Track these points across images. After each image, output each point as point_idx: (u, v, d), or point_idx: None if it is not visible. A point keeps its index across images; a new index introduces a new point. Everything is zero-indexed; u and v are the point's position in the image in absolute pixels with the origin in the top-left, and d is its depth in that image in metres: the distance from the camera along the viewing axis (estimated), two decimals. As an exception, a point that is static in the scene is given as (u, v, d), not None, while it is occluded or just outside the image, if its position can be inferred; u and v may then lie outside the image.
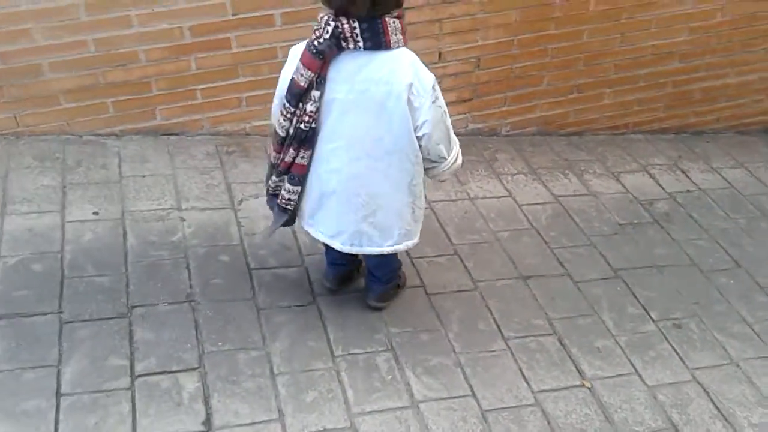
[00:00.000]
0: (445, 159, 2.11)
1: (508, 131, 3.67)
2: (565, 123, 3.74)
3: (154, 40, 2.86)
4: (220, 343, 2.25)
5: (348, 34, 1.87)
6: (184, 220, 2.71)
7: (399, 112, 1.95)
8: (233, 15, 2.89)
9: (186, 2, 2.81)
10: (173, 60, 2.93)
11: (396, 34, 1.90)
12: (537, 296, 2.67)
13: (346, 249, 2.20)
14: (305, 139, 2.01)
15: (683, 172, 3.68)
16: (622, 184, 3.47)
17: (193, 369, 2.16)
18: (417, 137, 2.02)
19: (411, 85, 1.92)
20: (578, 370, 2.40)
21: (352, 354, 2.30)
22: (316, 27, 1.90)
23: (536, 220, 3.09)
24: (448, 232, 2.93)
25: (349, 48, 1.89)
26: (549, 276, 2.79)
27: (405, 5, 2.95)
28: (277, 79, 3.08)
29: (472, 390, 2.26)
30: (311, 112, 1.96)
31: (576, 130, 3.80)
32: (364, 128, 1.99)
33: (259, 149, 3.20)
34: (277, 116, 2.06)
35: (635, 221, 3.21)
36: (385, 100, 1.94)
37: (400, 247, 2.24)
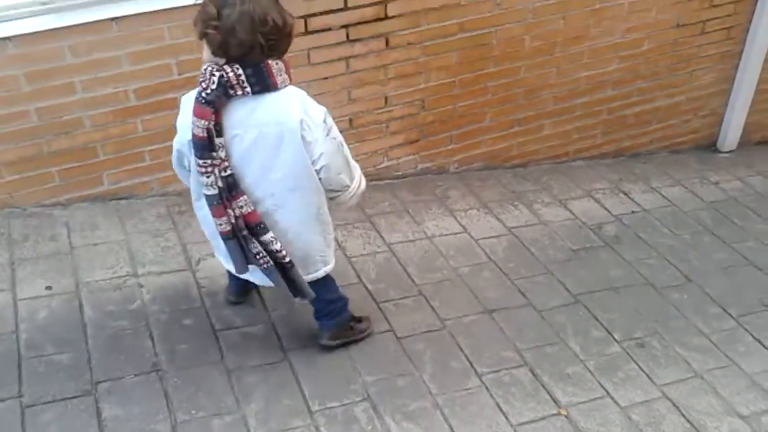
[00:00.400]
0: (349, 186, 2.17)
1: (456, 168, 3.74)
2: (509, 156, 3.84)
3: (99, 104, 2.81)
4: (192, 411, 2.19)
5: (234, 82, 1.89)
6: (142, 286, 2.65)
7: (294, 150, 1.99)
8: (179, 75, 2.88)
9: (131, 65, 2.78)
10: (119, 123, 2.89)
11: (281, 75, 1.94)
12: (504, 329, 2.70)
13: (267, 283, 2.22)
14: (234, 185, 2.01)
15: (625, 194, 3.81)
16: (570, 211, 3.57)
17: (172, 440, 2.10)
18: (316, 170, 2.06)
19: (302, 121, 1.96)
20: (553, 398, 2.43)
21: (330, 408, 2.27)
22: (201, 78, 1.91)
23: (494, 253, 3.13)
24: (410, 272, 2.94)
25: (237, 95, 1.91)
26: (512, 307, 2.83)
27: (350, 54, 3.12)
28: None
29: (452, 430, 2.26)
30: (222, 157, 1.97)
31: (520, 162, 3.89)
32: (264, 170, 2.02)
33: (211, 206, 3.16)
34: (195, 175, 2.04)
35: (587, 246, 3.30)
36: (280, 140, 1.97)
37: (319, 274, 2.28)
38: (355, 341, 2.52)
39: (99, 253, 2.77)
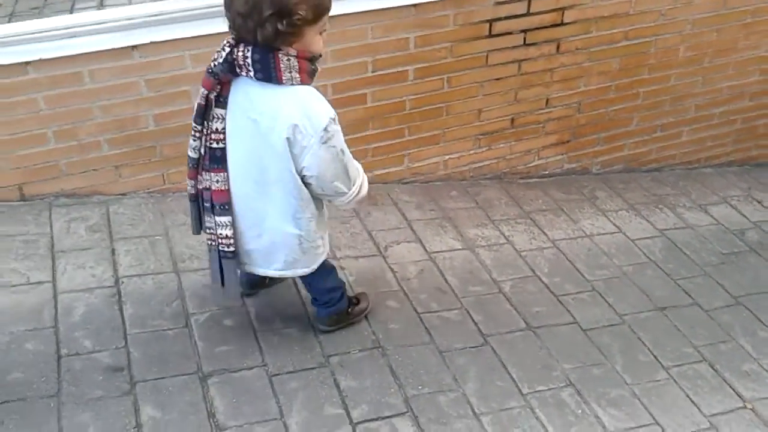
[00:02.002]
0: (345, 193, 2.13)
1: (598, 169, 3.88)
2: (647, 160, 3.97)
3: (298, 97, 2.99)
4: (419, 387, 2.36)
5: (241, 62, 1.91)
6: (344, 268, 2.82)
7: (279, 149, 1.96)
8: (372, 72, 3.04)
9: (333, 62, 2.95)
10: (312, 116, 3.06)
11: (290, 72, 1.89)
12: (678, 326, 2.84)
13: (276, 274, 2.27)
14: (217, 159, 2.04)
15: (758, 202, 3.92)
16: (711, 216, 3.69)
17: (403, 414, 2.27)
18: (303, 176, 2.03)
19: (296, 126, 1.92)
20: (737, 393, 2.57)
21: (539, 391, 2.42)
22: (217, 50, 1.96)
23: (651, 254, 3.27)
24: (579, 268, 3.09)
25: (242, 74, 1.94)
26: (681, 306, 2.96)
27: (524, 57, 3.26)
28: (403, 130, 3.31)
29: (654, 419, 2.41)
30: (217, 129, 2.00)
31: (656, 166, 4.02)
32: (253, 155, 2.02)
33: (384, 197, 3.33)
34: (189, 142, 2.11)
35: (735, 250, 3.43)
36: (269, 134, 1.95)
37: (287, 273, 2.26)
38: (355, 322, 2.56)
39: (296, 236, 2.95)
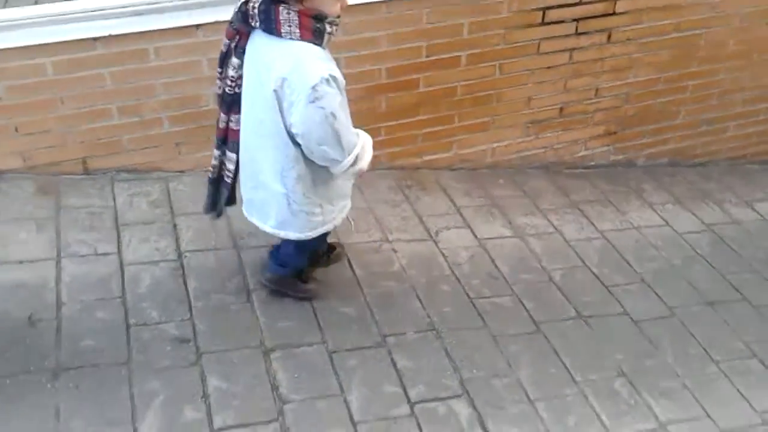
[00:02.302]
0: (339, 161, 2.08)
1: (644, 162, 3.88)
2: (693, 154, 3.97)
3: (356, 81, 3.02)
4: (474, 370, 2.40)
5: (251, 12, 1.98)
6: (395, 251, 2.87)
7: (270, 101, 1.99)
8: (426, 57, 3.07)
9: (388, 45, 2.98)
10: (368, 99, 3.10)
11: (288, 26, 1.92)
12: (727, 321, 2.86)
13: (246, 216, 2.34)
14: (231, 103, 2.14)
15: (804, 199, 3.92)
16: (757, 212, 3.69)
17: (459, 396, 2.31)
18: (292, 133, 2.04)
19: (284, 79, 1.94)
20: (786, 389, 2.59)
21: (591, 380, 2.46)
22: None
23: (699, 248, 3.29)
24: (628, 260, 3.11)
25: (253, 26, 2.00)
26: (730, 302, 2.98)
27: (575, 46, 3.27)
28: (453, 116, 3.33)
29: (705, 411, 2.44)
30: (232, 77, 2.09)
31: (701, 161, 4.02)
32: (254, 106, 2.09)
33: (433, 183, 3.36)
34: None
35: (783, 247, 3.44)
36: (265, 85, 1.98)
37: (280, 234, 2.28)
38: (291, 295, 2.53)
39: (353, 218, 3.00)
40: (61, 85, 2.68)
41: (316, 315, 2.49)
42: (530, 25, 3.15)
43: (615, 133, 3.70)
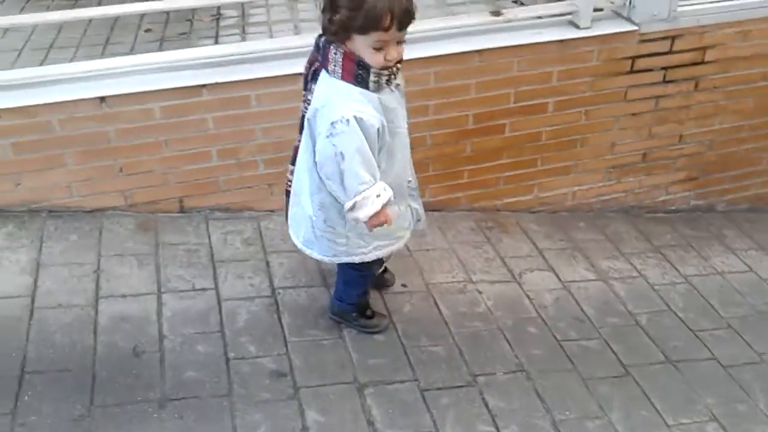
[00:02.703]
0: (342, 200, 2.12)
1: (724, 207, 3.84)
2: (775, 200, 3.92)
3: (443, 126, 3.11)
4: (567, 412, 2.40)
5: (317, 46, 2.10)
6: (480, 292, 2.90)
7: (307, 128, 2.15)
8: (514, 103, 3.14)
9: (477, 92, 3.06)
10: (453, 143, 3.18)
11: (334, 65, 2.01)
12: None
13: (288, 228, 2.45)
14: (301, 124, 2.22)
15: None
16: None
17: (552, 437, 2.31)
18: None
19: (317, 110, 2.07)
20: None
21: (683, 424, 2.42)
22: None
23: (789, 296, 3.23)
24: (713, 305, 3.07)
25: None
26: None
27: (661, 93, 3.30)
28: (536, 160, 3.38)
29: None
30: (308, 99, 2.17)
31: (783, 207, 3.97)
32: (306, 131, 2.19)
33: (513, 225, 3.40)
34: None
35: None
36: (309, 112, 2.13)
37: (306, 251, 2.38)
38: (357, 328, 2.58)
39: (434, 258, 3.05)
40: (167, 129, 2.84)
41: (406, 353, 2.53)
42: (618, 74, 3.20)
43: (696, 178, 3.69)
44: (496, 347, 2.63)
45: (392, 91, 2.11)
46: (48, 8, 4.62)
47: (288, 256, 2.89)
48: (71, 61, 3.84)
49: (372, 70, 2.00)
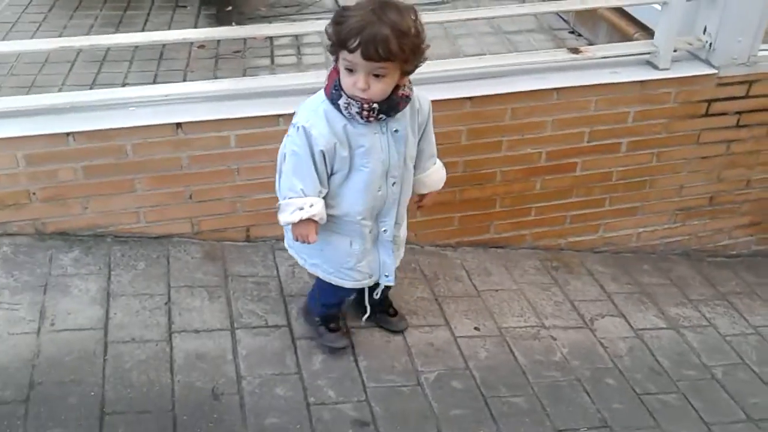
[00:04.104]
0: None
1: (786, 253, 3.79)
2: (837, 246, 3.85)
3: (515, 162, 3.04)
4: (658, 475, 2.33)
5: None
6: (555, 339, 2.82)
7: None
8: (587, 142, 3.07)
9: (552, 130, 2.99)
10: (523, 180, 3.11)
11: (327, 75, 2.03)
12: None
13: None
14: None
15: None
16: None
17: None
18: None
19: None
20: None
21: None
22: None
23: None
24: (789, 359, 3.01)
25: None
26: None
27: (734, 138, 3.23)
28: (604, 200, 3.30)
29: None
30: None
31: (844, 254, 3.90)
32: None
33: (578, 265, 3.33)
34: None
35: None
36: None
37: (287, 250, 2.39)
38: (314, 335, 2.53)
39: (503, 300, 2.97)
40: (240, 157, 2.76)
41: (487, 403, 2.45)
42: (693, 116, 3.14)
43: (760, 223, 3.62)
44: (577, 400, 2.55)
45: (382, 132, 2.05)
46: (96, 18, 4.56)
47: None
48: (126, 75, 3.79)
49: (344, 93, 1.96)
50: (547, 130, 3.00)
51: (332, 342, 2.51)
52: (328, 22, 1.92)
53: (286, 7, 4.76)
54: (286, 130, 2.71)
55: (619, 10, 3.80)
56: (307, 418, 2.26)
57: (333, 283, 2.34)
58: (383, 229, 2.27)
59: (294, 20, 4.49)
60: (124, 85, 3.62)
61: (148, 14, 4.60)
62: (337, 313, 2.56)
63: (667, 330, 3.03)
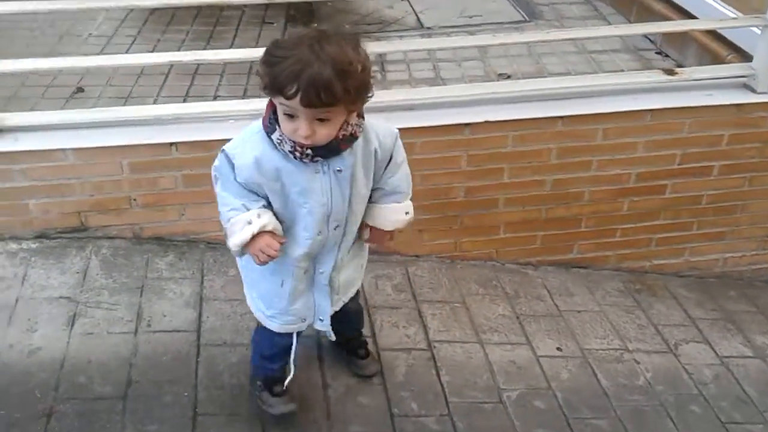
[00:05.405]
0: None
1: None
2: None
3: (603, 183, 3.02)
4: None
5: None
6: (638, 362, 2.78)
7: None
8: (678, 165, 3.03)
9: (643, 151, 2.96)
10: (610, 201, 3.09)
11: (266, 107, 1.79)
12: None
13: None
14: None
15: None
16: None
17: None
18: None
19: None
20: None
21: None
22: None
23: None
24: None
25: None
26: None
27: None
28: (692, 223, 3.24)
29: None
30: None
31: None
32: None
33: (662, 289, 3.27)
34: None
35: None
36: None
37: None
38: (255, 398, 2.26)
39: (585, 321, 2.95)
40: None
41: (569, 424, 2.43)
42: (789, 141, 3.06)
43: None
44: (661, 426, 2.51)
45: (323, 171, 1.80)
46: (187, 33, 4.75)
47: (440, 308, 2.84)
48: (217, 88, 3.91)
49: (278, 128, 1.73)
50: (638, 151, 2.97)
51: (273, 407, 2.20)
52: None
53: (369, 24, 4.85)
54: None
55: (711, 31, 3.72)
56: (390, 428, 2.29)
57: (263, 322, 2.11)
58: (320, 270, 2.01)
59: (377, 38, 4.59)
60: (215, 97, 3.75)
61: (237, 29, 4.75)
62: (280, 374, 2.21)
63: (753, 359, 2.94)
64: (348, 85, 1.60)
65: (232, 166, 1.79)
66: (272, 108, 1.73)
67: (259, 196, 1.84)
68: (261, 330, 2.15)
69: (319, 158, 1.76)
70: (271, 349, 2.18)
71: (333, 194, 1.84)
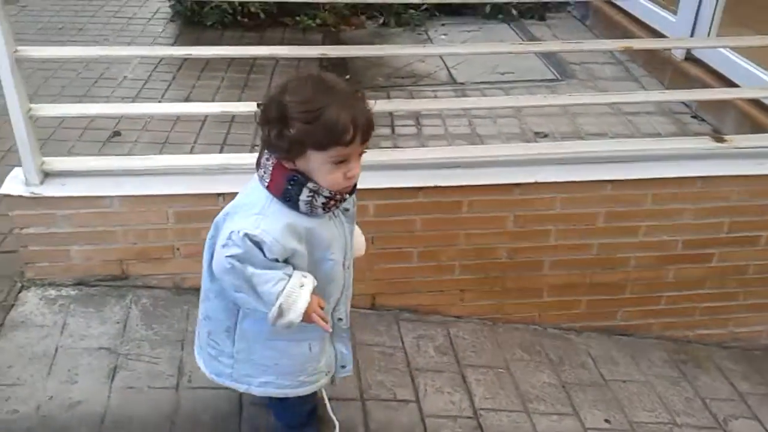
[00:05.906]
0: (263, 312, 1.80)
1: None
2: None
3: (650, 249, 2.97)
4: None
5: None
6: (689, 438, 2.69)
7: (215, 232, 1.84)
8: (726, 233, 2.98)
9: (690, 218, 2.92)
10: (656, 267, 3.02)
11: (264, 171, 1.73)
12: None
13: None
14: None
15: None
16: None
17: None
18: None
19: (228, 214, 1.79)
20: None
21: None
22: None
23: None
24: None
25: None
26: None
27: None
28: (738, 293, 3.17)
29: None
30: None
31: None
32: None
33: (707, 360, 3.18)
34: None
35: None
36: None
37: (198, 361, 2.11)
38: None
39: (632, 392, 2.85)
40: (377, 227, 2.77)
41: (624, 503, 2.34)
42: (839, 213, 3.02)
43: None
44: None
45: (334, 216, 1.80)
46: (222, 79, 4.76)
47: (484, 373, 2.75)
48: (254, 136, 3.90)
49: (307, 186, 1.67)
50: (686, 218, 2.92)
51: None
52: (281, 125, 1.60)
53: (402, 78, 4.87)
54: (423, 203, 2.77)
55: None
56: (440, 501, 2.19)
57: (290, 396, 2.02)
58: (338, 317, 1.98)
59: (410, 91, 4.60)
60: (253, 146, 3.73)
61: (271, 76, 4.78)
62: (312, 416, 2.23)
63: (807, 439, 2.84)
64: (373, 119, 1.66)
65: (260, 246, 1.69)
66: (285, 173, 1.67)
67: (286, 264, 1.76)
68: (282, 402, 2.07)
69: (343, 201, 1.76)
70: (299, 411, 2.17)
71: (346, 236, 1.86)
